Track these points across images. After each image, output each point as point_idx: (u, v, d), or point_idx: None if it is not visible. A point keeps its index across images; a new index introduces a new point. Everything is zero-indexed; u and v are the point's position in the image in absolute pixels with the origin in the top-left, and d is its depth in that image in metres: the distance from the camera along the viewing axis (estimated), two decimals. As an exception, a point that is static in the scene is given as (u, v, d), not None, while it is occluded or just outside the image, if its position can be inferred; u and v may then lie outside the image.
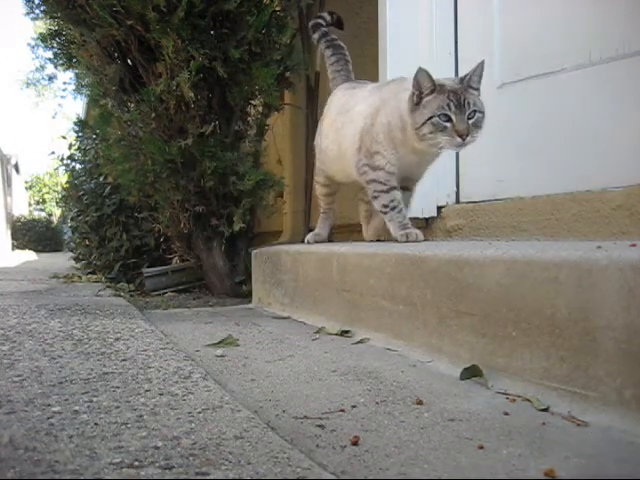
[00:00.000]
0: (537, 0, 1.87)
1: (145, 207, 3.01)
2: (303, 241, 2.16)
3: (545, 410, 0.93)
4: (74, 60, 2.77)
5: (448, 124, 1.52)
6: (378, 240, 1.99)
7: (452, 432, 0.85)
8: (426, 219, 2.11)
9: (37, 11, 2.66)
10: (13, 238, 15.51)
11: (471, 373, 1.11)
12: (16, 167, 18.10)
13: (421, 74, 1.54)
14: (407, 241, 1.64)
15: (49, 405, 0.89)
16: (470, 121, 1.52)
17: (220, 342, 1.49)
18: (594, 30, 1.68)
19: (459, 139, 1.52)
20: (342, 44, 2.14)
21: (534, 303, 1.00)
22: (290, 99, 2.86)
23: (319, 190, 2.14)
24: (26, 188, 21.86)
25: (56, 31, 2.76)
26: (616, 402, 0.85)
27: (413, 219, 2.14)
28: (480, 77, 1.57)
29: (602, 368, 0.88)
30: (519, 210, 1.79)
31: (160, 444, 0.74)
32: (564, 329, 0.94)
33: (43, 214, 19.71)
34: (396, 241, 1.68)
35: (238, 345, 1.47)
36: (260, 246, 2.52)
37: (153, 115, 2.38)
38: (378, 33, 2.15)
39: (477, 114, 1.54)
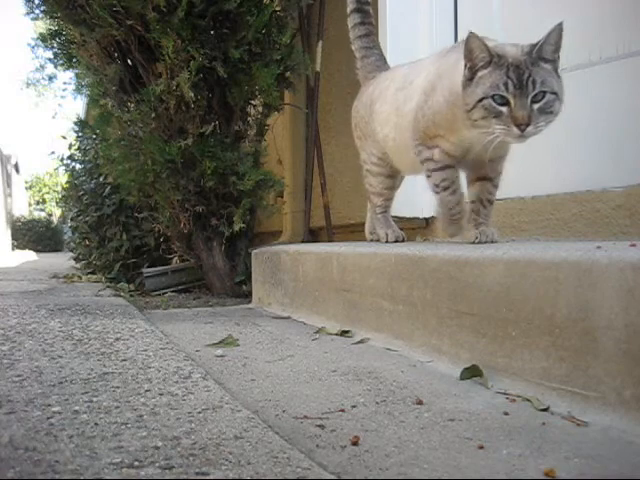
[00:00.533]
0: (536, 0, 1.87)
1: (145, 207, 3.01)
2: (368, 239, 1.88)
3: (545, 410, 0.93)
4: (74, 60, 2.77)
5: (504, 108, 1.18)
6: (396, 241, 1.77)
7: (452, 432, 0.85)
8: (426, 219, 2.12)
9: (37, 11, 2.66)
10: (13, 238, 15.50)
11: (471, 373, 1.11)
12: (16, 167, 18.10)
13: (473, 40, 1.20)
14: (452, 237, 1.49)
15: (49, 405, 0.89)
16: (535, 105, 1.17)
17: (220, 342, 1.49)
18: (593, 30, 1.68)
19: (516, 130, 1.17)
20: (371, 11, 1.81)
21: (534, 303, 1.00)
22: (290, 99, 2.87)
23: (378, 187, 1.76)
24: (26, 188, 21.85)
25: (56, 31, 2.77)
26: (616, 402, 0.85)
27: (413, 219, 2.14)
28: (557, 46, 1.19)
29: (602, 368, 0.88)
30: (519, 210, 1.80)
31: (160, 444, 0.74)
32: (564, 329, 0.94)
33: (43, 214, 19.69)
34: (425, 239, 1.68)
35: (238, 345, 1.47)
36: (260, 246, 2.52)
37: (153, 115, 2.38)
38: (378, 32, 2.15)
39: (547, 96, 1.17)
